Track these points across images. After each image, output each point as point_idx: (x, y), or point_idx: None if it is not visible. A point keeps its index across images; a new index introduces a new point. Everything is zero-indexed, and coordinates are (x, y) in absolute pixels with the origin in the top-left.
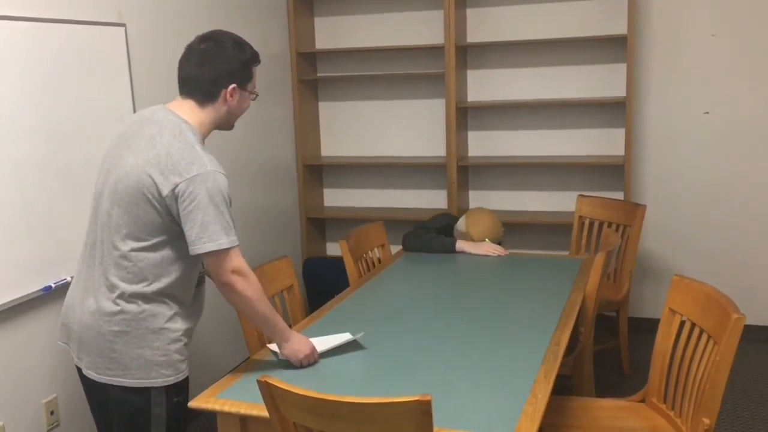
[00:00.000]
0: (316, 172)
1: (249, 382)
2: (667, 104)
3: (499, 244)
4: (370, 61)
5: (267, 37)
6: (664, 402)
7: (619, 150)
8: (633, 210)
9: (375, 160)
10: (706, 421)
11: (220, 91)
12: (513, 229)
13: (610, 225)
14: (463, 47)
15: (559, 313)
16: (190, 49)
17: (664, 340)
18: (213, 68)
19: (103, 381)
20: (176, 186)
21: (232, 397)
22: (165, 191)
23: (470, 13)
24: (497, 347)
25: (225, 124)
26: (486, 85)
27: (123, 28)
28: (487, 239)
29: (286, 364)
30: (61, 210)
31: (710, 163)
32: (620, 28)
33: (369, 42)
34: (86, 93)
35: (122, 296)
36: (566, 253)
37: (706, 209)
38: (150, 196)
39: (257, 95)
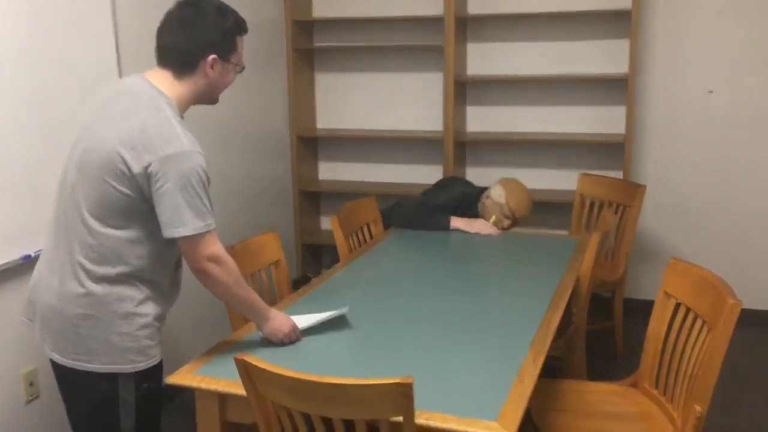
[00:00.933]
0: (311, 145)
1: (229, 359)
2: (670, 82)
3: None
4: (368, 32)
5: (260, 2)
6: (656, 387)
7: (619, 128)
8: (633, 190)
9: (371, 134)
10: (698, 408)
11: (199, 62)
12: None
13: (610, 205)
14: (463, 19)
15: (552, 294)
16: (169, 15)
17: (657, 324)
18: (191, 37)
19: (67, 365)
20: (149, 165)
21: (210, 373)
22: (136, 169)
23: None
24: (487, 329)
25: (206, 98)
26: (486, 58)
27: None
28: (515, 213)
29: (269, 341)
30: (43, 176)
31: (712, 143)
32: (624, 2)
33: (367, 11)
34: (69, 54)
35: (88, 277)
36: (566, 232)
37: (707, 190)
38: (119, 173)
39: (243, 68)
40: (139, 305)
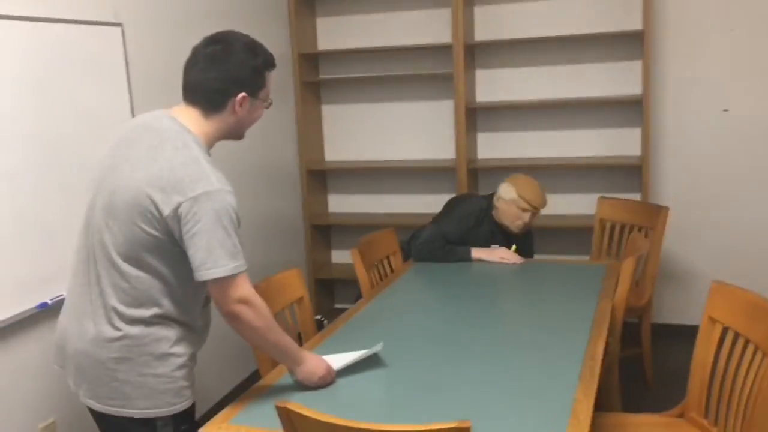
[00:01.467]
0: (320, 178)
1: (263, 406)
2: (684, 102)
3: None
4: (375, 62)
5: (268, 38)
6: (706, 417)
7: (635, 150)
8: (656, 212)
9: (381, 165)
10: None
11: (228, 100)
12: (555, 234)
13: (632, 228)
14: (471, 46)
15: (589, 323)
16: (196, 53)
17: (703, 350)
18: (220, 75)
19: (104, 411)
20: (179, 205)
21: (245, 422)
22: (166, 211)
23: (478, 10)
24: (527, 364)
25: (234, 134)
26: (495, 85)
27: (120, 28)
28: (533, 203)
29: (302, 385)
30: (57, 220)
31: (730, 161)
32: (635, 23)
33: (373, 42)
34: (82, 96)
35: (122, 319)
36: (586, 257)
37: (726, 210)
38: (149, 215)
39: (271, 103)
40: (174, 345)
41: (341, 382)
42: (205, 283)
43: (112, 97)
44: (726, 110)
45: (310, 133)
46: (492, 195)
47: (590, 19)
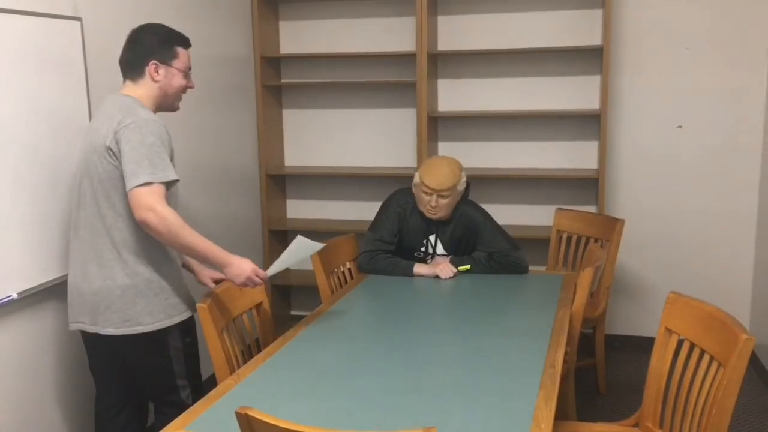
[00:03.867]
0: (280, 182)
1: (221, 412)
2: (640, 117)
3: (466, 188)
4: (338, 68)
5: (230, 40)
6: (660, 427)
7: (592, 163)
8: (611, 224)
9: (341, 171)
10: None
11: (144, 68)
12: None
13: (588, 240)
14: (434, 55)
15: (549, 332)
16: (126, 41)
17: (659, 360)
18: (135, 49)
19: (121, 333)
20: (116, 133)
21: (203, 428)
22: (108, 141)
23: (441, 20)
24: (488, 371)
25: (164, 103)
26: (457, 94)
27: (79, 22)
28: (429, 185)
29: (266, 390)
30: (10, 216)
31: (683, 176)
32: (595, 39)
33: (337, 48)
34: (37, 91)
35: (120, 256)
36: (543, 268)
37: (679, 223)
38: (105, 151)
39: (188, 71)
40: (162, 275)
41: (303, 387)
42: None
43: (69, 91)
44: (680, 126)
45: (270, 137)
46: None
47: (551, 34)
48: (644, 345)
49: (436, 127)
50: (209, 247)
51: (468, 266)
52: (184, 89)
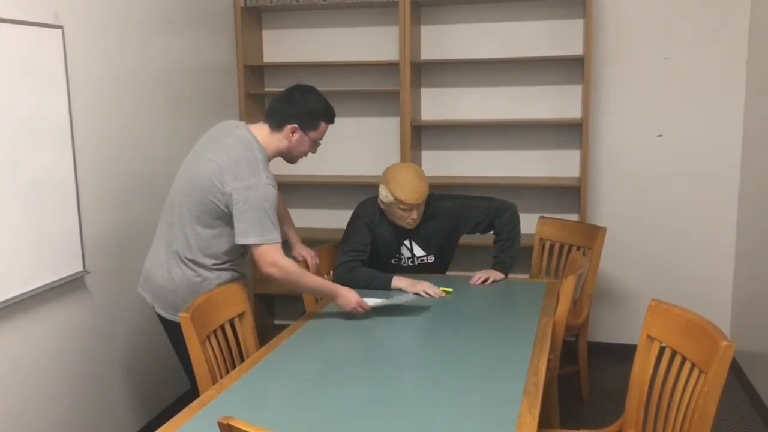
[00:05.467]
0: None
1: (203, 422)
2: (622, 126)
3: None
4: (321, 77)
5: (213, 48)
6: None
7: (574, 171)
8: (594, 232)
9: (325, 179)
10: None
11: (284, 125)
12: (470, 251)
13: (570, 248)
14: (418, 64)
15: (532, 340)
16: (286, 90)
17: (641, 368)
18: (285, 105)
19: (169, 318)
20: (236, 189)
21: None
22: (227, 189)
23: (425, 29)
24: (472, 379)
25: (286, 156)
26: (441, 103)
27: (60, 30)
28: (409, 201)
29: (248, 400)
30: None
31: (664, 185)
32: (576, 49)
33: (320, 57)
34: (17, 100)
35: (185, 264)
36: (526, 276)
37: (660, 232)
38: (216, 191)
39: (318, 145)
40: (215, 280)
41: (286, 397)
42: (246, 246)
43: (50, 99)
44: (660, 135)
45: None
46: None
47: (534, 43)
48: (626, 352)
49: (419, 135)
50: (322, 283)
51: (450, 290)
52: (306, 154)
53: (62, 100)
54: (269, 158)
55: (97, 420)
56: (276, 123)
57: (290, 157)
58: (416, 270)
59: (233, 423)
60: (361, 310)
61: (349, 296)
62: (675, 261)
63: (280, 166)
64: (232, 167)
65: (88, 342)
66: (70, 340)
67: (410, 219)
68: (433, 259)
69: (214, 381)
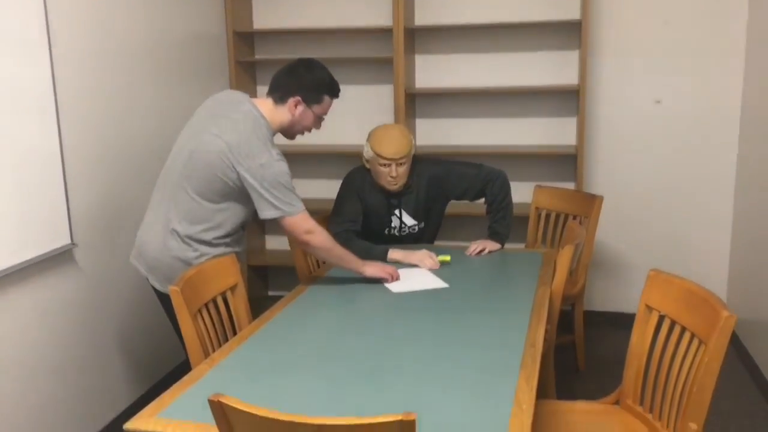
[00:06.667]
0: None
1: (194, 398)
2: (619, 92)
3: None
4: (313, 44)
5: (200, 14)
6: (641, 404)
7: (571, 139)
8: (590, 201)
9: (316, 149)
10: (693, 426)
11: (287, 98)
12: (465, 221)
13: (566, 217)
14: (411, 30)
15: (529, 311)
16: (289, 63)
17: (639, 338)
18: (289, 78)
19: (163, 290)
20: (249, 168)
21: (176, 416)
22: (240, 169)
23: None
24: (469, 350)
25: (287, 131)
26: (435, 70)
27: None
28: (388, 155)
29: (240, 375)
30: None
31: (662, 152)
32: (573, 13)
33: (312, 23)
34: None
35: (180, 236)
36: (521, 245)
37: (657, 199)
38: (226, 169)
39: (322, 120)
40: (207, 253)
41: (279, 371)
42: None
43: (32, 70)
44: (659, 101)
45: None
46: None
47: (530, 8)
48: (621, 320)
49: (413, 103)
50: (350, 255)
51: (448, 257)
52: (309, 129)
53: (45, 71)
54: (274, 133)
55: (91, 393)
56: (279, 96)
57: (291, 131)
58: (405, 240)
59: (224, 400)
60: (392, 277)
61: (377, 265)
62: (672, 229)
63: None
64: (243, 145)
65: (79, 315)
66: (60, 314)
67: (390, 177)
68: (423, 225)
69: (207, 355)
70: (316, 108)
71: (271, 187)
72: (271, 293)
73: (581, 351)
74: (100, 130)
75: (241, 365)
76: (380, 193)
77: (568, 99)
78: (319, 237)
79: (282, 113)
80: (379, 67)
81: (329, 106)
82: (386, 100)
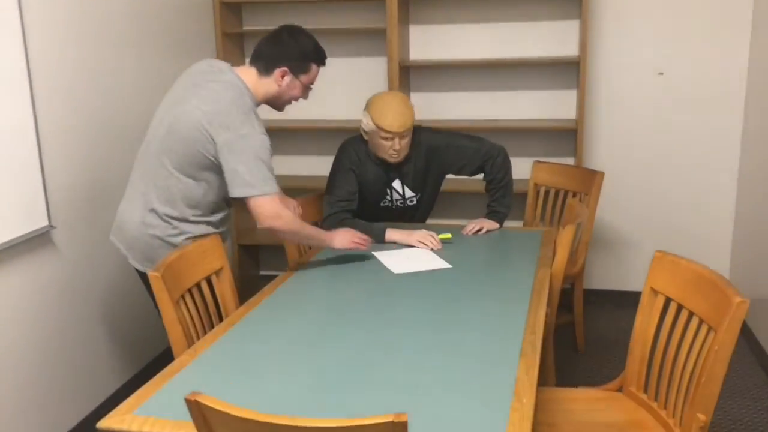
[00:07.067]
0: None
1: (173, 394)
2: (620, 64)
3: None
4: (303, 14)
5: None
6: (645, 392)
7: (571, 113)
8: (590, 177)
9: (308, 124)
10: (702, 417)
11: (273, 69)
12: (462, 199)
13: (566, 194)
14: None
15: (528, 294)
16: (272, 31)
17: (644, 323)
18: (273, 48)
19: (143, 270)
20: (226, 138)
21: (153, 413)
22: (218, 141)
23: None
24: (466, 338)
25: (275, 102)
26: (430, 42)
27: None
28: (392, 129)
29: (223, 367)
30: None
31: (664, 126)
32: None
33: None
34: None
35: (158, 214)
36: (519, 223)
37: (658, 175)
38: (205, 142)
39: (310, 89)
40: (189, 234)
41: (264, 363)
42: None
43: (3, 48)
44: (661, 74)
45: None
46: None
47: None
48: (621, 299)
49: (408, 76)
50: (318, 232)
51: (449, 235)
52: (296, 99)
53: (16, 42)
54: (257, 105)
55: (76, 379)
56: (264, 66)
57: (279, 103)
58: (402, 213)
59: (201, 400)
60: (362, 245)
61: (343, 235)
62: (674, 205)
63: (259, 111)
64: (223, 116)
65: (60, 299)
66: (39, 299)
67: (392, 150)
68: (421, 197)
69: (191, 343)
70: (304, 77)
71: (249, 160)
72: (262, 273)
73: (581, 332)
74: (78, 104)
75: (224, 357)
76: (378, 165)
77: (568, 71)
78: (286, 220)
79: (267, 84)
80: (371, 38)
81: (317, 74)
82: (379, 73)
